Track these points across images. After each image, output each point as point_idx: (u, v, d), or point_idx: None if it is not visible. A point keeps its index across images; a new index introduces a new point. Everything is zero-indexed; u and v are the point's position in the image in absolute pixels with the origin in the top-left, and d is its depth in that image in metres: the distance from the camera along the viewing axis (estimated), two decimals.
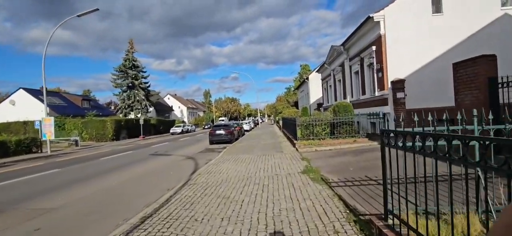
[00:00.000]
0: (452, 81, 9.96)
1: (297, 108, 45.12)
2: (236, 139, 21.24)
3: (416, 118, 2.64)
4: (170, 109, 70.17)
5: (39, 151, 20.44)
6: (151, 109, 49.72)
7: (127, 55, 44.07)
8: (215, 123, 35.64)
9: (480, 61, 6.42)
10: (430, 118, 2.80)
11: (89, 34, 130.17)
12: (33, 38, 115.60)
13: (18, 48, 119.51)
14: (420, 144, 2.32)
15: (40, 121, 20.15)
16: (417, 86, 12.01)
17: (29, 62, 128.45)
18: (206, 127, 53.71)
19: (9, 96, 35.92)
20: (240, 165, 9.12)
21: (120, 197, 6.87)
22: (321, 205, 4.53)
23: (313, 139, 12.55)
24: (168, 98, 76.87)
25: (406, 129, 2.52)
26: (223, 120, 61.45)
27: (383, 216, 3.15)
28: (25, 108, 32.71)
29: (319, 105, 30.16)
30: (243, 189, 5.99)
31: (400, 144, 2.59)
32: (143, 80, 45.78)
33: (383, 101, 12.72)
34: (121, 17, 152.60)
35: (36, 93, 34.80)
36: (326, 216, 4.04)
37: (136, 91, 44.46)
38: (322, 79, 27.46)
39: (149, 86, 47.18)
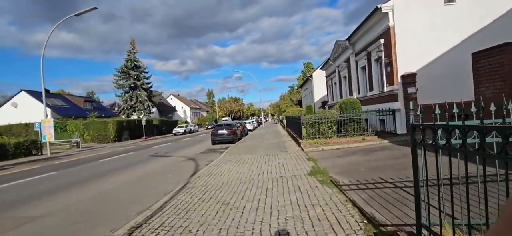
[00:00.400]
0: (468, 73, 9.29)
1: (301, 106, 44.48)
2: (239, 139, 20.70)
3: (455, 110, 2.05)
4: (173, 109, 69.90)
5: (39, 154, 20.13)
6: (153, 109, 49.41)
7: (128, 55, 43.76)
8: (216, 123, 35.20)
9: (507, 49, 5.79)
10: (474, 109, 2.22)
11: (93, 36, 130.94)
12: (38, 41, 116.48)
13: (23, 51, 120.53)
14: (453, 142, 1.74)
15: (40, 123, 19.80)
16: (430, 80, 11.34)
17: (35, 64, 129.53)
18: (209, 127, 53.29)
19: (11, 98, 35.81)
20: (242, 166, 8.57)
21: (113, 202, 6.37)
22: (333, 213, 3.96)
23: (319, 137, 11.95)
24: (171, 99, 76.66)
25: (451, 122, 1.95)
26: (226, 120, 60.95)
27: (414, 231, 2.57)
28: (27, 110, 32.52)
29: (324, 103, 29.49)
30: (245, 194, 5.44)
31: (441, 142, 2.01)
32: (145, 81, 45.45)
33: (392, 97, 12.08)
34: (123, 19, 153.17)
35: (38, 95, 34.56)
36: (340, 227, 3.47)
37: (139, 92, 44.15)
38: (327, 76, 26.78)
39: (151, 87, 46.85)
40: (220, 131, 18.91)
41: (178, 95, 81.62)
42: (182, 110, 74.73)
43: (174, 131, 40.26)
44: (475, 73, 7.16)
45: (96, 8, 17.52)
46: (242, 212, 4.37)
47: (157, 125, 41.56)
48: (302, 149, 11.02)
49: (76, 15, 17.72)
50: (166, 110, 64.20)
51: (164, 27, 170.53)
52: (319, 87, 32.61)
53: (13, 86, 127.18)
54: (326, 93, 28.69)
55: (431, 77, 11.40)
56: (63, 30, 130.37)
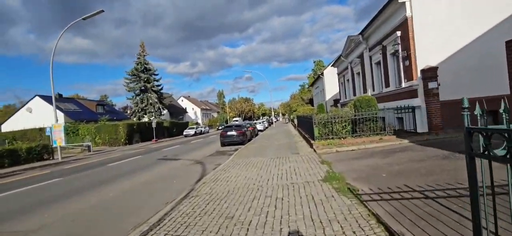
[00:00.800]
0: (499, 64, 8.43)
1: (312, 105, 43.59)
2: (249, 140, 20.19)
3: None
4: (183, 111, 70.22)
5: (51, 158, 20.23)
6: (164, 111, 49.60)
7: (138, 58, 44.04)
8: (226, 124, 34.86)
9: None
10: None
11: (107, 41, 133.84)
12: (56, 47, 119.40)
13: (41, 58, 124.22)
14: None
15: (51, 128, 19.92)
16: (453, 74, 10.45)
17: (55, 69, 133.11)
18: (220, 128, 53.05)
19: (26, 104, 36.63)
20: (251, 171, 8.03)
21: (112, 213, 5.96)
22: (354, 232, 3.35)
23: (332, 138, 11.25)
24: (182, 100, 77.09)
25: None
26: (237, 121, 60.63)
27: None
28: (41, 115, 33.13)
29: (336, 101, 28.58)
30: (252, 204, 4.89)
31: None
32: (156, 83, 45.65)
33: (411, 93, 11.24)
34: (135, 23, 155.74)
35: (52, 99, 35.20)
36: None
37: (149, 94, 44.38)
38: (339, 74, 25.88)
39: (161, 89, 47.03)
40: (229, 133, 18.44)
41: (189, 96, 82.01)
42: (193, 112, 75.01)
43: (184, 133, 40.14)
44: (510, 64, 6.34)
45: (103, 11, 17.42)
46: (248, 229, 3.81)
47: (168, 127, 41.59)
48: (315, 150, 10.37)
49: (84, 18, 17.66)
50: (177, 111, 64.51)
51: (175, 30, 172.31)
52: (331, 85, 31.70)
53: (32, 92, 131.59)
54: (338, 90, 27.78)
55: (455, 71, 10.50)
56: (78, 36, 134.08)
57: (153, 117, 41.63)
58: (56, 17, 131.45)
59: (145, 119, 42.34)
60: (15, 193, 8.83)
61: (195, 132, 40.26)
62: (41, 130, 29.90)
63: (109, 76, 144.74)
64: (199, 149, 18.38)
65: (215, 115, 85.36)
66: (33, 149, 18.88)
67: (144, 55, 44.36)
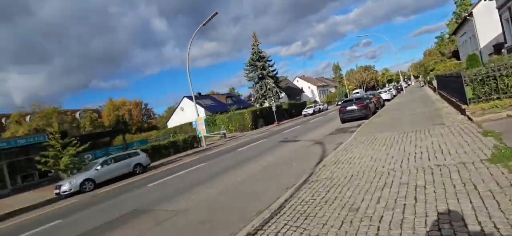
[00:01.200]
0: None
1: (458, 59, 34.34)
2: (374, 113, 17.91)
3: None
4: (300, 91, 71.06)
5: (199, 146, 24.90)
6: (282, 94, 51.65)
7: (253, 48, 47.33)
8: (346, 98, 32.50)
9: None
10: None
11: (227, 40, 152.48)
12: (194, 54, 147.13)
13: (185, 66, 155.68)
14: None
15: (195, 121, 24.38)
16: None
17: (194, 73, 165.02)
18: (338, 103, 50.47)
19: (179, 104, 46.83)
20: (378, 150, 6.87)
21: (239, 198, 6.44)
22: None
23: (498, 98, 8.17)
24: (297, 81, 78.08)
25: None
26: (358, 93, 55.81)
27: None
28: (190, 112, 41.40)
29: (498, 47, 21.14)
30: (381, 194, 4.02)
31: None
32: (270, 69, 47.93)
33: None
34: (248, 17, 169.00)
35: (196, 98, 43.41)
36: None
37: (266, 81, 47.17)
38: (499, 8, 18.83)
39: (276, 74, 48.99)
40: (349, 108, 16.92)
41: (303, 76, 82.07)
42: (309, 90, 74.72)
43: (303, 113, 40.49)
44: None
45: (217, 13, 19.40)
46: (378, 228, 3.07)
47: (287, 109, 43.13)
48: (469, 117, 7.83)
49: (203, 24, 20.28)
50: (294, 93, 65.99)
51: (283, 13, 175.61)
52: (486, 26, 23.61)
53: (183, 94, 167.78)
54: (499, 32, 20.36)
55: None
56: (206, 42, 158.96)
57: (272, 101, 44.09)
58: (192, 31, 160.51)
59: (266, 104, 45.42)
60: (174, 177, 11.23)
61: (314, 110, 39.84)
62: (190, 124, 37.39)
63: (233, 70, 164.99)
64: (318, 128, 17.86)
65: (333, 90, 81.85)
66: (186, 140, 23.80)
67: (257, 45, 47.30)
